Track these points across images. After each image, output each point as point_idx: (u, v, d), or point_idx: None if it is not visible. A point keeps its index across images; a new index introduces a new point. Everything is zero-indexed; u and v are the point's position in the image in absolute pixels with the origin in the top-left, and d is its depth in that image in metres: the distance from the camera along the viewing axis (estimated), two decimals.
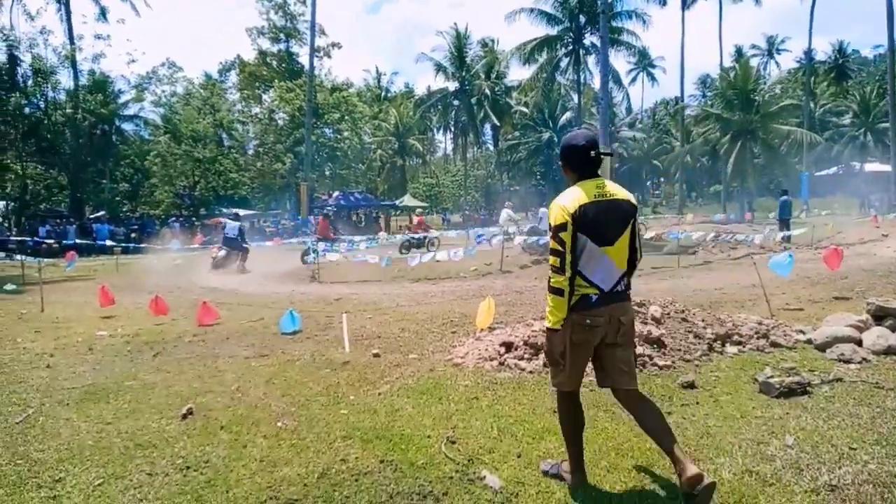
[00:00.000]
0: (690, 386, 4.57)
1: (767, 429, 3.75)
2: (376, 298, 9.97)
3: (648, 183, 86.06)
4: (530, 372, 5.10)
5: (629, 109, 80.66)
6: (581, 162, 2.92)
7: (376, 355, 5.90)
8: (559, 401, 3.16)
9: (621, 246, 2.90)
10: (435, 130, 64.02)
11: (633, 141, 66.64)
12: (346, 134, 38.74)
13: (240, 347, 6.75)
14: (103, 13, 37.73)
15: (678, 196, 49.95)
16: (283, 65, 43.82)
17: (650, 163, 73.78)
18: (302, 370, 5.61)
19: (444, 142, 75.40)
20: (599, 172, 2.98)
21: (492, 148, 63.02)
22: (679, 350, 5.27)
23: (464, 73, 45.96)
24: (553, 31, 35.91)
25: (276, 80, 41.24)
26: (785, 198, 18.35)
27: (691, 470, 2.68)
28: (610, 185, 2.91)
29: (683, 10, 43.62)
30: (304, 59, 41.26)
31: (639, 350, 5.13)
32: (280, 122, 41.33)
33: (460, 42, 44.94)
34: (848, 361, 5.03)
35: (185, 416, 4.44)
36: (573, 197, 2.83)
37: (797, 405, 4.14)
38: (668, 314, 5.78)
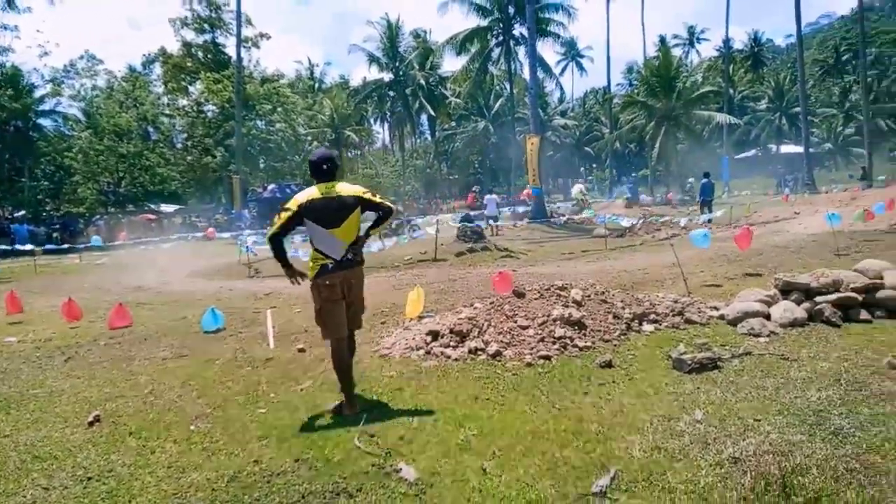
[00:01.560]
0: (608, 365, 4.67)
1: (678, 404, 3.87)
2: (307, 292, 9.73)
3: (582, 169, 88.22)
4: (455, 359, 5.09)
5: (561, 98, 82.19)
6: (316, 171, 4.12)
7: (301, 350, 5.75)
8: (332, 350, 4.24)
9: (347, 228, 4.09)
10: (372, 121, 63.32)
11: (565, 129, 67.94)
12: (278, 125, 37.69)
13: (158, 349, 6.45)
14: (10, 2, 35.14)
15: (608, 181, 51.32)
16: (210, 56, 42.10)
17: (582, 150, 75.55)
18: (222, 370, 5.41)
19: (381, 132, 74.77)
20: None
21: (429, 138, 62.89)
22: (599, 331, 5.39)
23: (397, 64, 45.52)
24: (484, 21, 36.04)
25: (202, 72, 39.64)
26: (706, 180, 19.16)
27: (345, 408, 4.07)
28: (340, 186, 4.09)
29: (608, 0, 44.66)
30: (231, 50, 39.78)
31: (560, 332, 5.21)
32: (209, 115, 39.82)
33: (392, 33, 44.48)
34: (757, 335, 5.27)
35: (91, 424, 4.20)
36: (307, 193, 4.08)
37: (708, 379, 4.30)
38: (589, 296, 5.90)
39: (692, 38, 73.39)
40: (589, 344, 5.16)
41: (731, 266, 9.66)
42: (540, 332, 5.27)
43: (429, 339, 5.48)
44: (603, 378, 4.46)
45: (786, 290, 5.87)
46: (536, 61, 25.71)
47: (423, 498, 2.93)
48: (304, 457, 3.45)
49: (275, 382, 4.90)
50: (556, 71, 74.91)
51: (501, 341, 5.21)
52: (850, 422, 3.40)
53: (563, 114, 76.21)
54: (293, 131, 37.79)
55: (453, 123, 56.52)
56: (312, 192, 4.06)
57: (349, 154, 55.68)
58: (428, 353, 5.31)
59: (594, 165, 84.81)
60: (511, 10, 34.81)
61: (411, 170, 68.50)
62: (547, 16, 34.96)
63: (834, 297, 5.61)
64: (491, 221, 19.77)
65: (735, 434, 3.36)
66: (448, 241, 13.75)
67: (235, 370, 5.35)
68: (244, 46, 39.17)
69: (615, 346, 5.19)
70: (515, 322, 5.43)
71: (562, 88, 55.66)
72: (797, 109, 46.48)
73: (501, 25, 35.56)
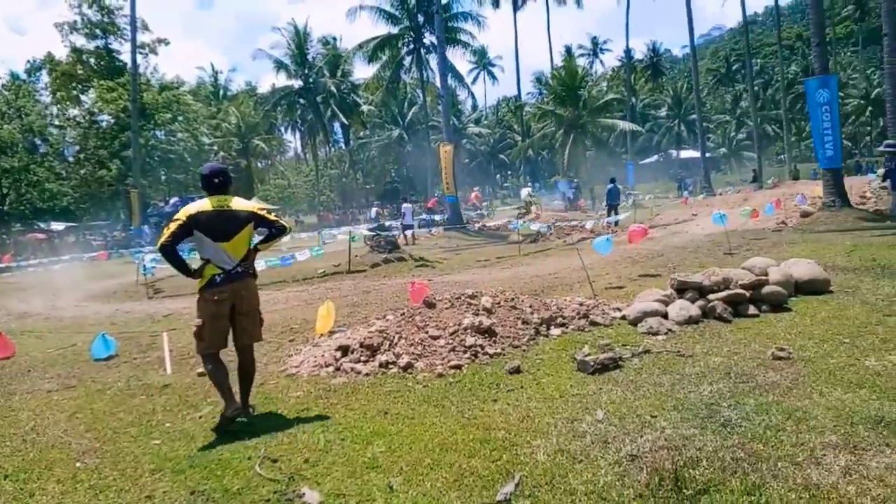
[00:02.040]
0: (516, 371, 4.73)
1: (582, 405, 3.96)
2: None
3: (498, 176, 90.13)
4: (366, 374, 4.99)
5: (475, 107, 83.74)
6: (207, 185, 4.12)
7: (201, 374, 5.44)
8: (205, 362, 4.23)
9: (238, 242, 4.10)
10: (283, 130, 61.85)
11: (479, 137, 69.25)
12: (179, 135, 35.98)
13: (43, 380, 5.94)
14: None
15: (519, 189, 52.65)
16: (103, 63, 39.56)
17: (497, 157, 77.20)
18: (113, 399, 5.03)
19: (294, 141, 73.17)
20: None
21: (344, 147, 62.17)
22: (509, 337, 5.46)
23: (307, 71, 44.74)
24: (394, 29, 36.15)
25: (95, 80, 37.23)
26: (612, 186, 20.04)
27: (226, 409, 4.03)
28: (233, 201, 4.11)
29: (515, 11, 46.02)
30: (126, 57, 37.58)
31: (470, 340, 5.23)
32: (104, 125, 37.43)
33: (300, 39, 43.67)
34: (656, 333, 5.52)
35: None
36: (196, 205, 4.08)
37: (610, 379, 4.44)
38: (499, 303, 5.97)
39: (596, 48, 76.83)
40: (499, 351, 5.21)
41: (634, 267, 10.11)
42: (451, 341, 5.27)
43: (338, 354, 5.36)
44: (512, 384, 4.51)
45: (681, 289, 6.19)
46: (447, 69, 26.05)
47: None
48: (201, 488, 3.25)
49: (171, 410, 4.61)
50: (469, 79, 76.35)
51: (413, 353, 5.16)
52: (737, 413, 3.61)
53: (477, 122, 77.68)
54: (196, 141, 36.16)
55: (367, 132, 56.18)
56: (204, 204, 4.07)
57: (259, 164, 54.09)
58: (338, 369, 5.18)
59: (509, 173, 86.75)
60: (421, 18, 35.09)
61: (326, 179, 67.51)
62: (456, 25, 35.54)
63: (724, 294, 5.97)
64: (407, 231, 19.76)
65: (633, 431, 3.47)
66: (363, 253, 13.58)
67: (128, 399, 4.99)
68: (140, 52, 37.15)
69: (524, 351, 5.27)
70: (427, 333, 5.41)
71: (474, 97, 56.43)
72: (694, 116, 49.64)
73: (412, 34, 35.77)
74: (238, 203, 4.14)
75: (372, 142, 56.27)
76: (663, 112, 70.00)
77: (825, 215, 13.90)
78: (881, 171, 20.18)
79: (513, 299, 6.19)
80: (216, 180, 4.13)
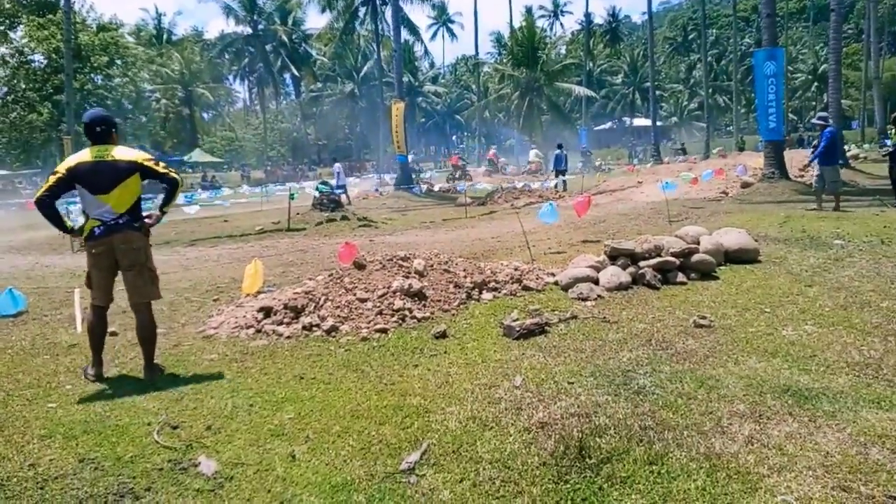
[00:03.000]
0: (442, 336, 4.64)
1: (502, 371, 3.91)
2: None
3: (454, 137, 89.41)
4: (287, 337, 4.82)
5: (432, 65, 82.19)
6: (89, 133, 3.91)
7: (113, 333, 5.15)
8: (90, 312, 4.13)
9: (120, 194, 3.88)
10: (231, 80, 59.25)
11: (436, 96, 68.18)
12: (117, 80, 33.96)
13: None
14: None
15: (474, 150, 52.39)
16: None
17: (453, 117, 76.43)
18: (13, 359, 4.71)
19: (243, 92, 70.33)
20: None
21: (295, 99, 60.17)
22: (439, 301, 5.36)
23: (256, 17, 42.70)
24: None
25: (23, 16, 34.54)
26: (559, 151, 20.09)
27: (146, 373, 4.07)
28: (115, 150, 3.89)
29: None
30: None
31: (399, 304, 5.11)
32: (34, 66, 34.94)
33: None
34: (585, 299, 5.51)
35: None
36: (75, 157, 3.92)
37: (534, 345, 4.40)
38: (432, 266, 5.85)
39: (556, 10, 76.01)
40: (428, 315, 5.11)
41: (576, 233, 10.15)
42: (379, 304, 5.13)
43: (260, 316, 5.16)
44: (436, 349, 4.42)
45: (614, 256, 6.20)
46: (401, 22, 25.25)
47: (220, 493, 2.68)
48: (91, 456, 3.05)
49: (74, 372, 4.34)
50: (427, 36, 74.93)
51: (338, 316, 5.01)
52: (651, 380, 3.61)
53: (434, 80, 76.34)
54: (134, 86, 34.23)
55: (319, 84, 54.44)
56: (83, 154, 3.89)
57: (203, 115, 51.83)
58: (259, 331, 4.99)
59: (466, 133, 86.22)
60: None
61: (276, 133, 65.47)
62: None
63: (655, 261, 6.01)
64: (338, 191, 19.21)
65: (548, 398, 3.44)
66: (305, 211, 13.20)
67: (30, 359, 4.69)
68: None
69: (453, 315, 5.18)
70: (355, 295, 5.25)
71: (428, 54, 55.30)
72: (648, 84, 50.03)
73: None
74: (121, 153, 3.91)
75: (324, 95, 54.58)
76: (619, 79, 70.30)
77: (764, 186, 14.27)
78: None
79: (446, 262, 6.07)
80: (98, 129, 3.91)
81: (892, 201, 10.80)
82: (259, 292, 6.27)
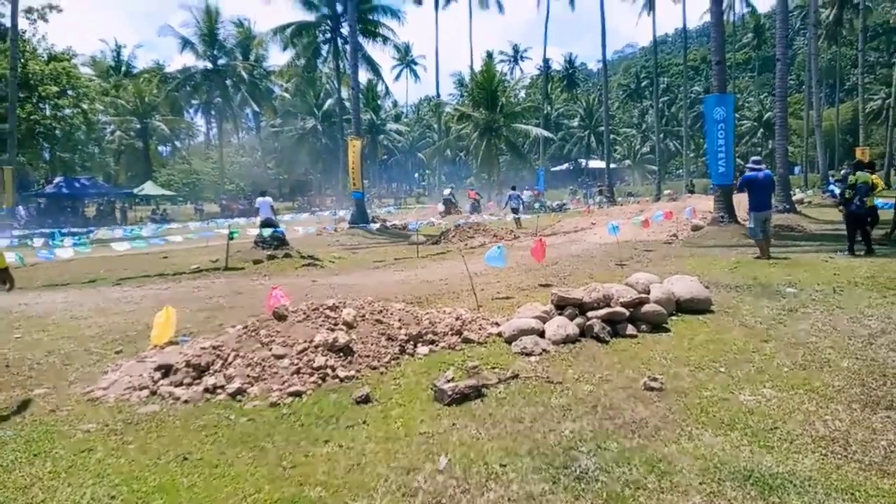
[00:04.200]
0: (364, 400, 4.07)
1: (427, 448, 3.37)
2: (50, 308, 8.05)
3: (417, 175, 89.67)
4: (185, 401, 4.17)
5: (395, 104, 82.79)
6: None
7: None
8: None
9: None
10: (191, 113, 58.13)
11: (399, 134, 68.40)
12: (67, 111, 32.70)
13: None
14: None
15: (434, 188, 52.39)
16: None
17: (416, 155, 76.68)
18: None
19: (203, 126, 69.12)
20: None
21: (250, 135, 59.34)
22: (368, 356, 4.80)
23: (215, 52, 42.08)
24: (311, 16, 34.69)
25: None
26: (512, 192, 20.38)
27: None
28: None
29: (437, 10, 45.63)
30: (8, 20, 33.64)
31: (320, 361, 4.53)
32: None
33: (211, 18, 40.91)
34: (529, 354, 5.04)
35: None
36: None
37: (467, 412, 3.88)
38: (364, 316, 5.30)
39: (517, 55, 77.87)
40: (353, 373, 4.53)
41: (527, 276, 9.74)
42: (297, 361, 4.54)
43: (158, 375, 4.50)
44: (355, 418, 3.85)
45: (561, 306, 5.77)
46: (359, 61, 25.10)
47: None
48: None
49: None
50: (391, 76, 75.69)
51: (248, 376, 4.39)
52: (597, 462, 3.13)
53: (397, 119, 76.72)
54: (84, 118, 32.99)
55: (279, 120, 53.88)
56: None
57: (161, 148, 50.46)
58: (153, 393, 4.33)
59: (428, 171, 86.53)
60: (339, 7, 33.78)
61: (236, 167, 64.20)
62: (376, 18, 34.55)
63: (604, 312, 5.60)
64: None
65: (475, 487, 2.91)
66: (247, 248, 12.49)
67: None
68: (27, 17, 33.51)
69: (382, 374, 4.62)
70: (270, 350, 4.65)
71: (388, 91, 55.20)
72: (603, 128, 51.18)
73: (329, 22, 34.42)
74: None
75: (285, 131, 53.97)
76: (576, 122, 71.98)
77: (714, 230, 14.26)
78: None
79: (381, 311, 5.53)
80: None
81: (842, 250, 10.76)
82: (171, 343, 5.60)
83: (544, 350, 5.11)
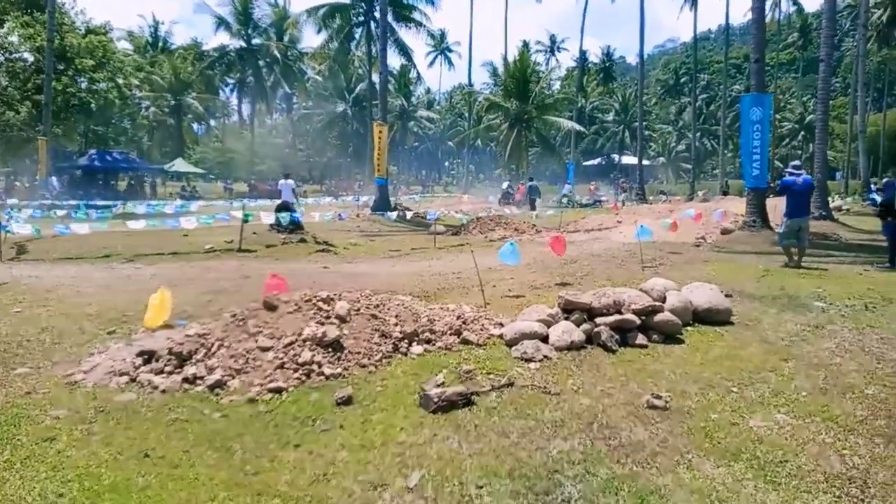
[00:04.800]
0: (346, 402, 3.86)
1: (401, 461, 3.14)
2: (58, 282, 8.03)
3: (447, 163, 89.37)
4: (162, 391, 4.02)
5: (428, 90, 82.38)
6: None
7: None
8: None
9: None
10: (226, 92, 58.70)
11: (430, 121, 68.06)
12: (102, 85, 33.15)
13: None
14: None
15: (463, 177, 52.00)
16: None
17: (446, 143, 76.36)
18: None
19: (238, 106, 69.88)
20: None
21: (283, 116, 59.67)
22: (359, 353, 4.58)
23: (250, 31, 42.21)
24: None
25: (10, 12, 33.79)
26: (532, 183, 20.39)
27: None
28: None
29: None
30: None
31: (306, 356, 4.33)
32: (19, 65, 34.07)
33: None
34: (529, 360, 4.76)
35: None
36: None
37: (452, 422, 3.64)
38: (358, 310, 5.08)
39: (553, 46, 76.57)
40: (339, 371, 4.33)
41: (542, 274, 9.43)
42: (282, 355, 4.35)
43: (139, 361, 4.36)
44: (333, 420, 3.65)
45: (568, 310, 5.47)
46: (387, 44, 24.85)
47: None
48: None
49: None
50: (425, 63, 75.21)
51: (230, 367, 4.22)
52: (581, 490, 2.87)
53: (429, 105, 76.41)
54: (118, 92, 33.41)
55: (311, 103, 54.02)
56: None
57: (194, 125, 51.03)
58: (133, 380, 4.19)
59: (458, 161, 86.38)
60: None
61: (268, 147, 64.73)
62: (410, 2, 34.23)
63: (613, 318, 5.29)
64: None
65: None
66: (262, 231, 12.39)
67: None
68: None
69: (371, 372, 4.40)
70: (256, 342, 4.47)
71: (420, 79, 54.83)
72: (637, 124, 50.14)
73: (363, 5, 34.18)
74: None
75: (316, 114, 54.10)
76: (610, 116, 70.66)
77: (744, 235, 13.70)
78: None
79: (377, 305, 5.31)
80: None
81: (880, 262, 10.19)
82: (166, 326, 5.47)
83: (546, 356, 4.84)
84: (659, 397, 3.98)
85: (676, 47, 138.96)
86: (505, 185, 31.75)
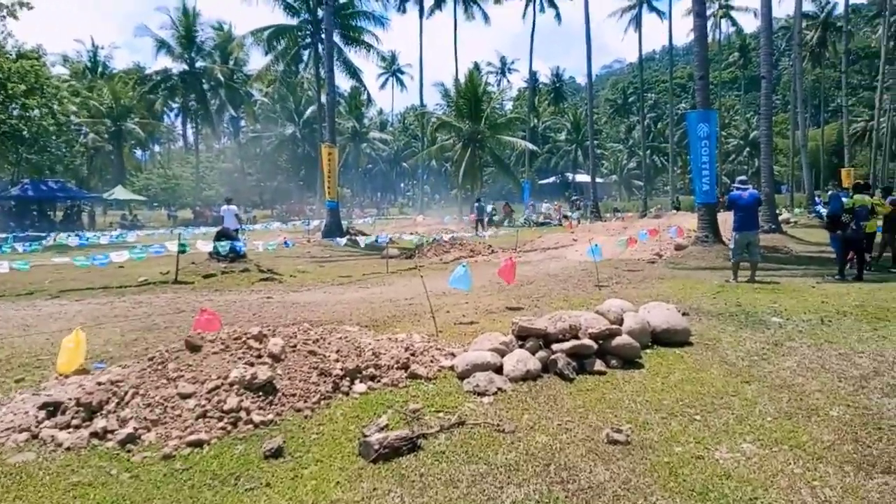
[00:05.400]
0: (276, 454, 3.43)
1: None
2: None
3: (402, 185, 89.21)
4: (67, 448, 3.52)
5: (381, 112, 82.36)
6: None
7: None
8: None
9: None
10: (172, 117, 57.25)
11: (383, 143, 67.89)
12: (35, 112, 31.69)
13: None
14: None
15: (419, 198, 51.83)
16: None
17: (400, 165, 76.23)
18: None
19: (185, 131, 68.28)
20: None
21: (230, 140, 58.54)
22: (294, 395, 4.16)
23: (193, 55, 41.26)
24: (293, 21, 34.15)
25: None
26: (478, 203, 20.72)
27: None
28: None
29: (421, 18, 45.33)
30: None
31: (233, 402, 3.88)
32: None
33: (188, 19, 40.10)
34: (482, 394, 4.43)
35: None
36: None
37: (395, 472, 3.26)
38: (295, 346, 4.66)
39: (504, 67, 77.84)
40: (271, 417, 3.89)
41: (499, 296, 9.15)
42: (205, 402, 3.89)
43: (42, 415, 3.83)
44: (259, 477, 3.21)
45: (523, 336, 5.18)
46: (333, 65, 24.53)
47: None
48: None
49: None
50: (376, 84, 75.35)
51: (145, 418, 3.74)
52: None
53: (382, 127, 76.30)
54: (53, 119, 32.00)
55: (258, 126, 53.11)
56: None
57: (138, 152, 49.40)
58: (35, 437, 3.66)
59: (413, 182, 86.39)
60: (321, 12, 33.26)
61: (216, 173, 63.28)
62: (358, 24, 34.11)
63: (570, 345, 5.01)
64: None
65: None
66: (202, 260, 11.74)
67: None
68: None
69: (306, 417, 3.98)
70: (176, 388, 3.99)
71: (371, 100, 54.55)
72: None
73: (311, 27, 33.85)
74: None
75: (264, 137, 53.20)
76: (563, 136, 71.94)
77: (698, 249, 13.79)
78: None
79: (316, 340, 4.90)
80: None
81: (830, 274, 10.32)
82: (81, 371, 4.91)
83: (500, 389, 4.51)
84: (619, 431, 3.69)
85: (623, 68, 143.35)
86: (477, 203, 30.54)
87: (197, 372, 4.14)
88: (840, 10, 45.69)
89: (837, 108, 64.24)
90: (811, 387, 4.58)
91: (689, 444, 3.62)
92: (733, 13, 55.67)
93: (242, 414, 3.85)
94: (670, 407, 4.22)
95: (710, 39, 57.24)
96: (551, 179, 70.44)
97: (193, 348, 4.36)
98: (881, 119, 42.93)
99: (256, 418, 3.83)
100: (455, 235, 18.42)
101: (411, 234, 21.24)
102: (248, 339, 4.52)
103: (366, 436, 3.55)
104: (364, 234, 21.00)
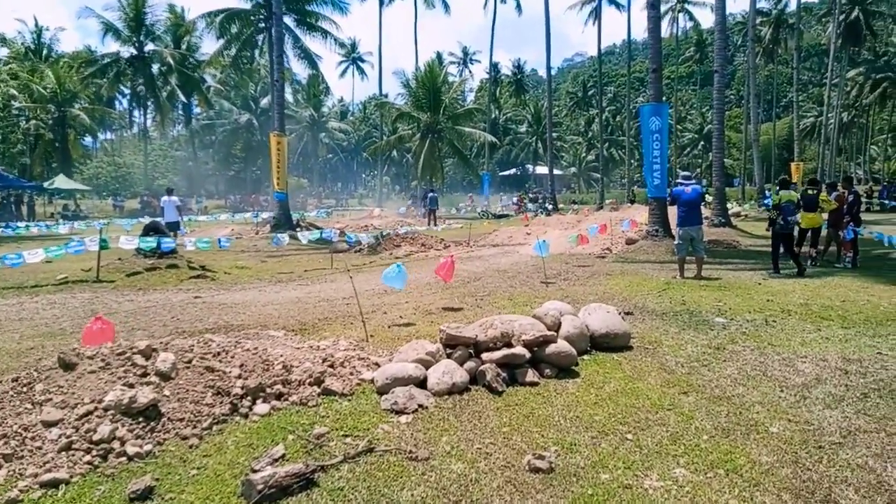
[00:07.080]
0: (144, 496, 2.95)
1: None
2: None
3: (363, 175, 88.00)
4: None
5: (341, 100, 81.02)
6: None
7: None
8: None
9: None
10: (124, 103, 54.80)
11: (342, 132, 66.69)
12: None
13: None
14: None
15: (378, 189, 51.09)
16: None
17: (361, 155, 75.11)
18: None
19: (139, 117, 65.73)
20: None
21: (184, 127, 56.57)
22: (182, 420, 3.66)
23: (142, 38, 39.48)
24: (246, 4, 32.94)
25: None
26: (432, 194, 20.49)
27: None
28: None
29: (381, 6, 44.43)
30: None
31: (105, 430, 3.37)
32: None
33: (138, 1, 38.25)
34: (401, 412, 4.02)
35: None
36: None
37: None
38: (190, 362, 4.15)
39: (466, 57, 77.34)
40: (149, 448, 3.39)
41: (442, 295, 8.75)
42: (72, 431, 3.37)
43: None
44: None
45: (451, 345, 4.79)
46: (283, 50, 23.68)
47: None
48: None
49: None
50: (336, 73, 73.94)
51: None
52: None
53: (342, 116, 75.02)
54: None
55: (212, 112, 51.38)
56: None
57: (85, 139, 47.20)
58: None
59: (374, 173, 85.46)
60: None
61: (169, 161, 61.29)
62: (315, 9, 33.11)
63: (500, 354, 4.65)
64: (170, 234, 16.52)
65: None
66: (129, 256, 10.97)
67: None
68: None
69: (192, 447, 3.49)
70: (41, 414, 3.45)
71: (328, 88, 53.42)
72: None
73: (264, 11, 32.66)
74: None
75: (217, 124, 51.52)
76: (524, 128, 71.98)
77: (647, 244, 13.67)
78: (709, 198, 21.08)
79: (217, 354, 4.40)
80: None
81: (772, 271, 10.27)
82: None
83: (421, 406, 4.11)
84: (542, 457, 3.32)
85: (584, 61, 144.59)
86: (431, 194, 29.73)
87: (68, 395, 3.61)
88: (793, 7, 46.65)
89: (789, 104, 65.92)
90: (751, 398, 4.32)
91: (618, 471, 3.28)
92: (690, 7, 56.28)
93: (115, 444, 3.34)
94: (602, 424, 3.88)
95: (667, 34, 57.95)
96: (512, 171, 70.53)
97: (67, 366, 3.81)
98: (829, 115, 44.12)
99: (131, 450, 3.32)
100: (409, 230, 17.96)
101: (366, 227, 20.69)
102: (134, 354, 3.99)
103: (253, 470, 3.09)
104: (316, 227, 20.34)
